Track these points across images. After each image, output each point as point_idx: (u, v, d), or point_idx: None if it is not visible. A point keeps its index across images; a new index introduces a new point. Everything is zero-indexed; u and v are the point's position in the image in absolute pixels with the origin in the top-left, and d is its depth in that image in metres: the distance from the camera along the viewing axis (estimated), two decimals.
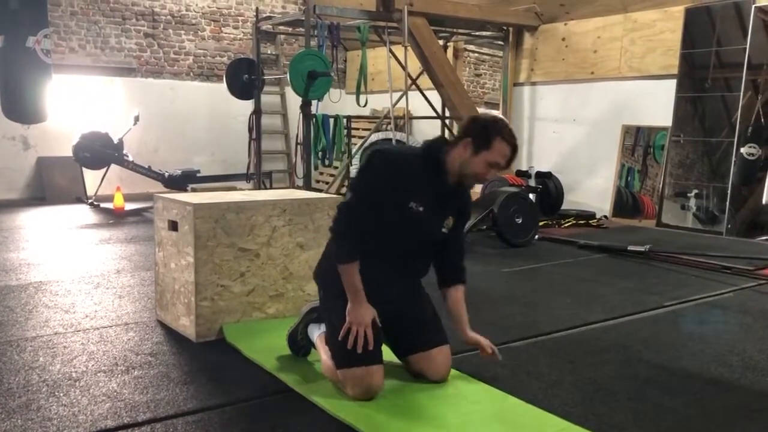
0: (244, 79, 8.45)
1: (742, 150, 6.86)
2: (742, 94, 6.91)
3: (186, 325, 3.35)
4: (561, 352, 3.20)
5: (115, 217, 7.54)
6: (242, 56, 9.74)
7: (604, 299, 4.22)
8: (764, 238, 6.64)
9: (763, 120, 6.82)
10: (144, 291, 4.25)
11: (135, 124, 8.47)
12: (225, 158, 10.21)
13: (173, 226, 3.42)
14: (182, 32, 10.17)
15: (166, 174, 8.76)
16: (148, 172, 8.73)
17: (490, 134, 2.45)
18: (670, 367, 3.01)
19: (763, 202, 6.69)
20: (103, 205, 8.23)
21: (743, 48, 6.95)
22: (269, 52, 10.88)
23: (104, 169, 8.50)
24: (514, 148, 2.50)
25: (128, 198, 8.17)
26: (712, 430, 2.37)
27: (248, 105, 8.88)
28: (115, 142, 8.44)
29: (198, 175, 8.98)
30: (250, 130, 8.53)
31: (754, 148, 6.81)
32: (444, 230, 2.66)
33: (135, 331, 3.45)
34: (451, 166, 2.50)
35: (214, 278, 3.31)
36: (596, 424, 2.36)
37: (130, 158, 8.62)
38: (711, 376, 2.91)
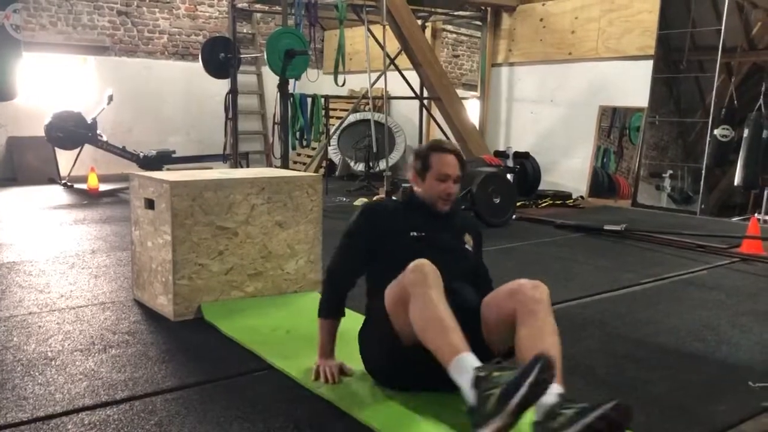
0: (220, 57, 8.35)
1: (716, 132, 6.94)
2: (717, 76, 6.98)
3: (164, 303, 3.31)
4: None
5: (89, 198, 7.43)
6: (218, 35, 9.60)
7: (582, 277, 4.26)
8: (739, 218, 6.74)
9: (736, 102, 6.90)
10: (120, 271, 4.20)
11: (109, 103, 8.33)
12: (201, 138, 10.10)
13: (150, 204, 3.37)
14: (156, 10, 9.99)
15: (141, 154, 8.64)
16: (123, 153, 8.60)
17: (424, 155, 2.52)
18: (647, 343, 3.06)
19: (735, 183, 6.79)
20: (76, 185, 8.10)
21: (717, 30, 7.01)
22: (245, 31, 10.74)
23: (77, 150, 8.36)
24: (452, 152, 2.51)
25: (102, 179, 8.05)
26: (688, 404, 2.41)
27: (224, 85, 8.76)
28: (89, 121, 8.30)
29: (173, 155, 8.87)
30: (226, 110, 8.44)
31: (727, 129, 6.90)
32: (467, 246, 2.58)
33: (111, 310, 3.41)
34: (423, 199, 2.54)
35: (191, 257, 3.27)
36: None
37: (104, 138, 8.48)
38: (687, 351, 2.96)
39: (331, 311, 2.49)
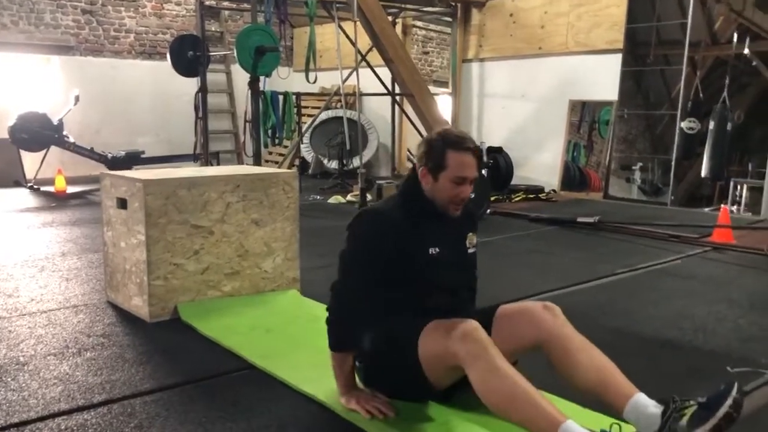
0: (188, 56, 8.23)
1: (682, 124, 7.05)
2: (684, 69, 7.09)
3: (139, 305, 3.25)
4: None
5: (57, 200, 7.28)
6: (186, 33, 9.47)
7: (558, 269, 4.28)
8: (710, 208, 6.85)
9: (701, 95, 7.01)
10: (92, 273, 4.11)
11: (75, 104, 8.16)
12: (170, 138, 9.95)
13: (122, 203, 3.30)
14: (122, 8, 9.82)
15: (110, 155, 8.49)
16: (91, 154, 8.44)
17: (439, 152, 2.15)
18: (625, 332, 3.08)
19: (702, 175, 6.89)
20: (43, 188, 7.93)
21: (682, 24, 7.12)
22: (213, 29, 10.62)
23: (44, 151, 8.18)
24: (472, 151, 2.18)
25: (70, 181, 7.89)
26: (668, 391, 2.41)
27: (193, 84, 8.65)
28: (55, 123, 8.13)
29: (143, 156, 8.73)
30: (196, 109, 8.33)
31: (694, 122, 7.00)
32: (471, 250, 2.35)
33: (85, 313, 3.33)
34: (430, 198, 2.21)
35: (166, 256, 3.21)
36: (556, 389, 2.38)
37: (71, 140, 8.31)
38: (665, 339, 2.99)
39: (349, 343, 2.19)
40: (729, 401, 1.79)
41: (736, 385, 1.83)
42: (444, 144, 2.17)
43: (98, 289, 3.74)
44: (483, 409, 2.02)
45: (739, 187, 6.79)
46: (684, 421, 1.81)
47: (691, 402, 1.85)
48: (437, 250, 2.19)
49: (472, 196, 2.30)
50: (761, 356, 2.76)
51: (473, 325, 1.99)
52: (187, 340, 2.96)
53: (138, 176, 3.26)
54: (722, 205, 5.67)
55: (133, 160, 8.54)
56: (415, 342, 2.08)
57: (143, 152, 8.79)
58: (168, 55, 8.40)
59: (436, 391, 2.15)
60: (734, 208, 6.60)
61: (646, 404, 1.92)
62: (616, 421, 1.90)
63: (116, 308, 3.40)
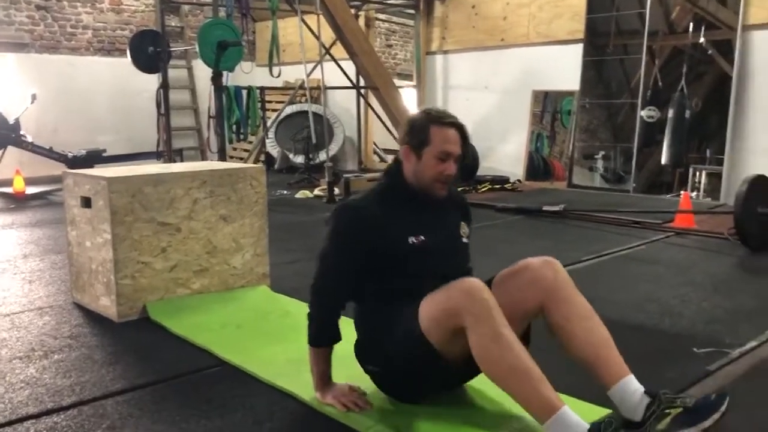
0: (149, 51, 8.09)
1: (642, 113, 7.17)
2: (643, 59, 7.21)
3: (106, 305, 3.19)
4: None
5: (16, 202, 7.11)
6: (145, 28, 9.30)
7: (525, 257, 4.31)
8: (671, 195, 6.98)
9: (660, 84, 7.14)
10: (56, 274, 4.03)
11: (32, 102, 7.97)
12: (132, 136, 9.76)
13: (86, 202, 3.24)
14: (78, 4, 9.61)
15: (70, 155, 8.30)
16: (50, 154, 8.24)
17: (422, 127, 2.11)
18: None
19: (663, 162, 7.03)
20: (1, 189, 7.72)
21: (640, 14, 7.24)
22: (174, 24, 10.45)
23: (0, 152, 7.96)
24: (455, 126, 2.12)
25: (29, 181, 7.69)
26: (637, 373, 2.44)
27: (154, 80, 8.50)
28: (11, 122, 7.91)
29: (104, 155, 8.55)
30: (158, 106, 8.20)
31: (653, 110, 7.13)
32: (465, 240, 2.30)
33: (50, 315, 3.26)
34: (412, 181, 2.16)
35: (133, 255, 3.16)
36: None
37: (29, 139, 8.11)
38: (632, 323, 3.05)
39: (327, 338, 2.14)
40: (716, 416, 1.78)
41: (727, 400, 1.82)
42: (427, 119, 2.12)
43: (63, 290, 3.67)
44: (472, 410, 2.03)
45: (698, 173, 6.94)
46: (667, 421, 1.77)
47: (678, 402, 1.83)
48: (421, 238, 2.11)
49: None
50: (725, 337, 2.83)
51: (478, 283, 1.89)
52: (157, 339, 2.92)
53: (102, 174, 3.20)
54: (683, 192, 5.80)
55: (94, 159, 8.37)
56: (416, 318, 1.97)
57: (104, 151, 8.62)
58: (127, 52, 8.24)
59: (453, 369, 2.01)
60: (694, 194, 6.75)
61: (634, 390, 1.90)
62: (611, 412, 1.90)
63: (83, 309, 3.34)
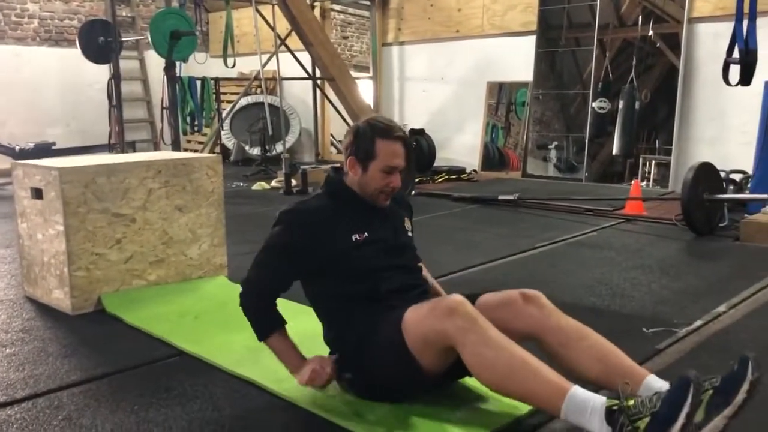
0: (99, 42, 7.91)
1: (594, 104, 7.33)
2: (594, 51, 7.36)
3: (60, 298, 3.14)
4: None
5: None
6: (95, 18, 9.09)
7: (482, 245, 4.40)
8: (623, 184, 7.16)
9: (611, 76, 7.30)
10: (5, 268, 3.93)
11: None
12: (83, 129, 9.55)
13: (37, 194, 3.17)
14: None
15: (17, 148, 8.08)
16: None
17: (369, 141, 2.11)
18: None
19: (614, 152, 7.20)
20: None
21: (590, 6, 7.39)
22: (124, 14, 10.23)
23: None
24: (401, 140, 2.13)
25: None
26: None
27: (105, 71, 8.33)
28: None
29: (54, 147, 8.35)
30: (109, 97, 8.03)
31: (604, 102, 7.29)
32: (410, 234, 2.31)
33: (1, 309, 3.19)
34: (356, 189, 2.17)
35: (87, 246, 3.11)
36: None
37: None
38: (585, 305, 3.13)
39: (270, 328, 2.13)
40: (745, 386, 1.63)
41: (750, 364, 1.65)
42: (373, 132, 2.12)
43: (14, 284, 3.59)
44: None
45: (648, 163, 7.13)
46: (702, 409, 1.63)
47: (705, 384, 1.67)
48: (365, 234, 2.13)
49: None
50: (673, 317, 2.93)
51: (458, 299, 1.88)
52: (113, 331, 2.88)
53: (53, 164, 3.14)
54: (634, 180, 5.95)
55: (43, 152, 8.14)
56: (399, 332, 1.94)
57: (54, 144, 8.42)
58: (77, 42, 8.05)
59: (433, 379, 2.00)
60: (644, 183, 6.93)
61: (660, 388, 1.76)
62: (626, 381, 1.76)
63: (35, 303, 3.27)
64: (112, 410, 2.12)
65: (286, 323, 2.15)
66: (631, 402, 1.61)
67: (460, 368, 1.88)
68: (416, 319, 1.93)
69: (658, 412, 1.54)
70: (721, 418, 1.62)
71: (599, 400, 1.65)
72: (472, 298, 2.03)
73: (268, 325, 2.14)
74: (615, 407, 1.61)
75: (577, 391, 1.69)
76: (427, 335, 1.89)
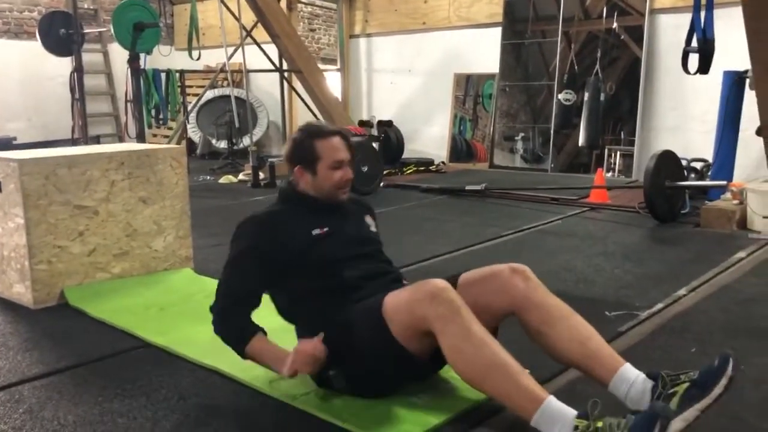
0: (60, 34, 7.75)
1: (560, 96, 7.41)
2: (559, 43, 7.44)
3: (21, 292, 3.08)
4: (414, 282, 3.32)
5: None
6: (56, 10, 8.91)
7: (449, 234, 4.43)
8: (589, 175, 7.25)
9: (576, 68, 7.38)
10: None
11: None
12: (45, 123, 9.37)
13: None
14: None
15: None
16: None
17: (308, 145, 2.17)
18: None
19: (580, 144, 7.29)
20: None
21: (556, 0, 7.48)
22: (86, 6, 10.04)
23: None
24: (337, 134, 2.21)
25: None
26: None
27: (67, 64, 8.18)
28: None
29: (14, 142, 8.19)
30: (72, 91, 7.88)
31: (570, 94, 7.37)
32: (373, 229, 2.33)
33: None
34: (313, 194, 2.21)
35: (49, 239, 3.06)
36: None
37: None
38: (551, 291, 3.16)
39: (253, 331, 2.07)
40: (723, 381, 1.66)
41: (731, 361, 1.69)
42: (309, 136, 2.18)
43: None
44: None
45: (613, 154, 7.24)
46: (675, 400, 1.67)
47: (682, 377, 1.72)
48: (325, 229, 2.15)
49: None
50: (635, 300, 2.99)
51: (442, 284, 1.84)
52: (76, 325, 2.84)
53: (12, 156, 3.08)
54: (598, 169, 6.04)
55: (3, 147, 7.94)
56: (381, 318, 1.91)
57: (15, 139, 8.26)
58: (37, 34, 7.88)
59: (423, 363, 1.97)
60: (609, 174, 7.04)
61: (635, 378, 1.78)
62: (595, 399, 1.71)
63: None
64: (74, 402, 2.10)
65: (266, 332, 2.09)
66: (600, 424, 1.59)
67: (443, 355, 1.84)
68: (396, 303, 1.91)
69: None
70: (693, 411, 1.65)
71: (570, 416, 1.64)
72: (454, 279, 2.01)
73: (247, 332, 2.07)
74: (583, 429, 1.60)
75: (551, 402, 1.67)
76: (407, 320, 1.87)
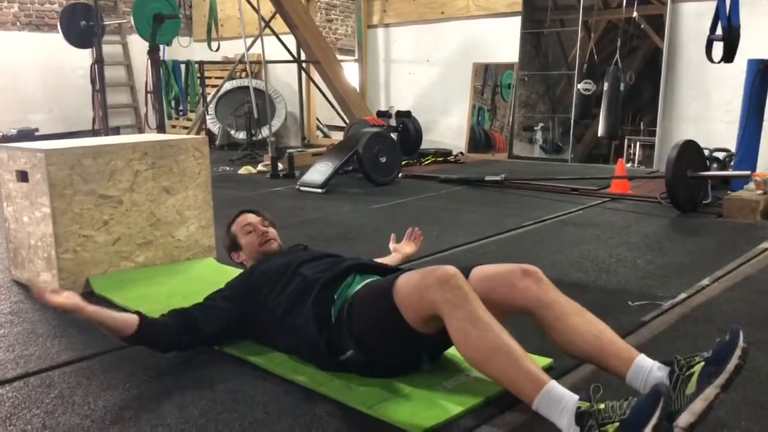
0: (81, 26, 7.82)
1: (579, 86, 7.35)
2: (579, 33, 7.38)
3: (48, 280, 3.13)
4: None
5: None
6: (76, 2, 8.98)
7: (469, 224, 4.43)
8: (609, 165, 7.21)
9: (596, 58, 7.32)
10: None
11: None
12: (65, 115, 9.48)
13: (23, 176, 3.15)
14: None
15: (0, 134, 8.01)
16: None
17: (229, 235, 2.75)
18: None
19: (599, 134, 7.23)
20: None
21: None
22: None
23: None
24: (244, 212, 2.81)
25: None
26: None
27: (87, 56, 8.25)
28: None
29: (37, 134, 8.29)
30: (92, 82, 7.96)
31: (589, 83, 7.32)
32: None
33: None
34: (252, 262, 2.63)
35: (74, 228, 3.10)
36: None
37: None
38: (571, 281, 3.17)
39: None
40: (738, 352, 1.65)
41: (741, 333, 1.69)
42: (228, 229, 2.78)
43: (0, 269, 3.57)
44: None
45: (632, 145, 7.18)
46: (693, 381, 1.67)
47: (697, 358, 1.72)
48: (288, 258, 2.47)
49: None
50: (658, 290, 2.98)
51: (451, 270, 1.89)
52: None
53: (39, 146, 3.12)
54: (619, 159, 5.99)
55: (26, 138, 8.11)
56: (390, 299, 1.97)
57: (37, 129, 8.36)
58: (58, 26, 7.95)
59: (432, 340, 2.01)
60: (629, 164, 6.98)
61: (650, 367, 1.79)
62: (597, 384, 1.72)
63: (23, 286, 3.26)
64: (104, 388, 2.13)
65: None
66: (602, 406, 1.60)
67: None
68: (407, 286, 1.96)
69: (627, 420, 1.54)
70: (713, 388, 1.63)
71: (572, 399, 1.65)
72: (466, 271, 2.04)
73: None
74: (586, 410, 1.61)
75: (554, 386, 1.69)
76: (416, 303, 1.92)
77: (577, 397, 1.66)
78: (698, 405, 1.64)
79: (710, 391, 1.64)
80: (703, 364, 1.68)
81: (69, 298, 2.16)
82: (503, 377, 1.78)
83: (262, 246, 2.62)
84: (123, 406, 2.01)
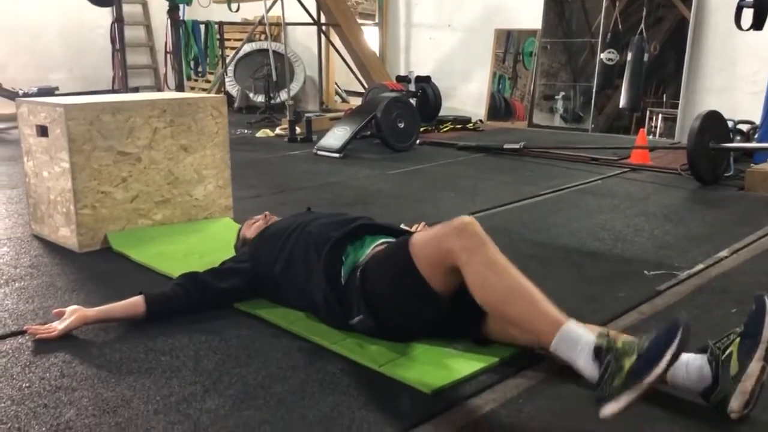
0: None
1: (602, 55, 7.22)
2: (604, 1, 7.22)
3: (67, 235, 3.17)
4: None
5: None
6: None
7: (485, 192, 4.41)
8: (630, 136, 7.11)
9: (620, 27, 7.18)
10: (12, 208, 3.96)
11: None
12: (85, 74, 9.50)
13: (43, 131, 3.17)
14: None
15: (20, 92, 8.03)
16: None
17: (240, 236, 2.75)
18: (550, 245, 3.23)
19: (621, 105, 7.12)
20: None
21: None
22: None
23: None
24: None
25: None
26: (593, 292, 2.58)
27: (107, 16, 8.22)
28: None
29: (57, 92, 8.30)
30: (112, 42, 7.94)
31: (613, 53, 7.18)
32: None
33: (9, 246, 3.22)
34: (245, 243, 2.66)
35: (93, 184, 3.12)
36: None
37: None
38: (588, 250, 3.15)
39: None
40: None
41: (767, 299, 1.64)
42: (237, 235, 2.80)
43: (21, 223, 3.62)
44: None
45: (654, 117, 7.07)
46: (734, 360, 1.62)
47: (731, 336, 1.67)
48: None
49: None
50: (674, 261, 2.95)
51: (468, 219, 1.91)
52: (119, 268, 2.92)
53: (59, 101, 3.13)
54: (641, 129, 5.90)
55: (46, 96, 8.12)
56: (407, 254, 1.96)
57: (57, 88, 8.38)
58: None
59: (446, 302, 1.99)
60: (650, 137, 6.88)
61: (687, 359, 1.70)
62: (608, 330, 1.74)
63: (42, 240, 3.31)
64: (120, 340, 2.17)
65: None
66: (620, 343, 1.61)
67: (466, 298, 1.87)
68: (424, 239, 1.97)
69: (645, 353, 1.55)
70: (756, 362, 1.61)
71: (590, 338, 1.66)
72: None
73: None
74: (603, 346, 1.62)
75: (571, 326, 1.70)
76: (434, 254, 1.91)
77: (594, 336, 1.66)
78: (747, 384, 1.62)
79: (755, 366, 1.61)
80: (738, 340, 1.65)
81: (71, 318, 2.20)
82: (521, 318, 1.79)
83: (268, 226, 2.61)
84: (138, 358, 2.04)
